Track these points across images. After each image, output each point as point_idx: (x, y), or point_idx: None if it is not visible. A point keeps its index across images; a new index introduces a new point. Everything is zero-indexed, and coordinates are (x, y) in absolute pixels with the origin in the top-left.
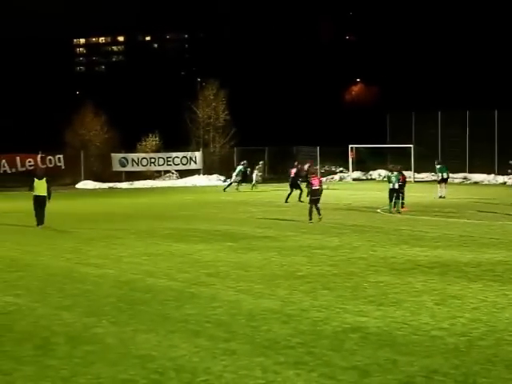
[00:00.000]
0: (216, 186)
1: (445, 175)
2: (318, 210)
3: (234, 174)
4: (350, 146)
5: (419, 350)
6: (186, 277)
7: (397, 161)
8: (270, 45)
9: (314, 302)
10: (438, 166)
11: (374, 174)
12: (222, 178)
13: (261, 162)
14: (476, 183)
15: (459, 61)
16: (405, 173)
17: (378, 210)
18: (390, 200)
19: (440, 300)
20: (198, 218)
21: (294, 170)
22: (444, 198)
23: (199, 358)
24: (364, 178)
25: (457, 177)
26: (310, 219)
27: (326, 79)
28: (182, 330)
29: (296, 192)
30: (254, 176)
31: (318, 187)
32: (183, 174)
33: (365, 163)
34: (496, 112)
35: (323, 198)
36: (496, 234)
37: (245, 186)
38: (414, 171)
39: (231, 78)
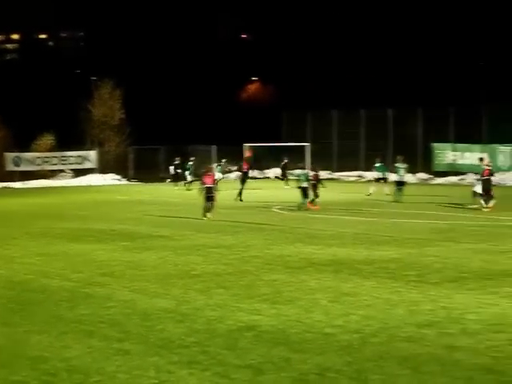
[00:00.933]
0: (112, 186)
1: (381, 175)
2: (209, 209)
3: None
4: (245, 144)
5: (312, 347)
6: (80, 277)
7: (293, 159)
8: (165, 42)
9: (208, 300)
10: (377, 165)
11: (270, 172)
12: (118, 177)
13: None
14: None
15: (353, 59)
16: (302, 171)
17: (274, 209)
18: (304, 197)
19: (334, 297)
20: (93, 218)
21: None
22: (370, 195)
23: (92, 359)
24: (260, 176)
25: (351, 175)
26: (204, 216)
27: (223, 77)
28: (76, 330)
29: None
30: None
31: (211, 185)
32: (78, 173)
33: (261, 162)
34: (391, 111)
35: (220, 197)
36: (389, 231)
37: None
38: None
39: (127, 77)
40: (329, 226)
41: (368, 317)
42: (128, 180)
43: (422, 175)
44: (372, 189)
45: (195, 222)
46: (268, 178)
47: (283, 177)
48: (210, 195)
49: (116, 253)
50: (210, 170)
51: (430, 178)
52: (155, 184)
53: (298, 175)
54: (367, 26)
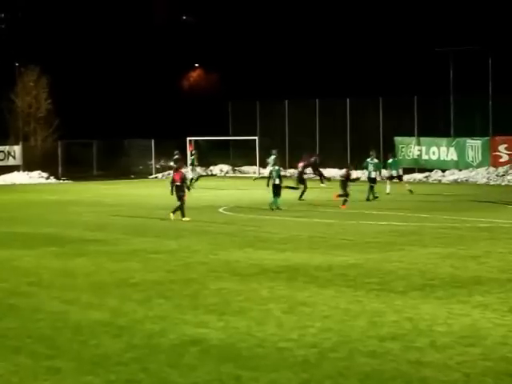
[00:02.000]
0: (39, 184)
1: (394, 173)
2: (178, 209)
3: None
4: (189, 138)
5: (265, 363)
6: (3, 286)
7: (241, 154)
8: (98, 25)
9: (148, 312)
10: (389, 161)
11: (216, 169)
12: (45, 174)
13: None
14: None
15: (307, 44)
16: (248, 168)
17: (221, 210)
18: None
19: (288, 308)
20: (19, 221)
21: (301, 164)
22: (389, 194)
23: (19, 378)
24: (204, 173)
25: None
26: (183, 216)
27: (161, 65)
28: (0, 346)
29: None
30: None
31: (179, 183)
32: (0, 170)
33: (206, 158)
34: (348, 100)
35: (157, 199)
36: (348, 234)
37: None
38: (259, 165)
39: (54, 63)
40: (282, 228)
41: (326, 329)
42: (57, 178)
43: (383, 172)
44: (388, 188)
45: (132, 224)
46: (214, 175)
47: (319, 175)
48: (180, 194)
49: (44, 259)
50: (182, 166)
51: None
52: (88, 182)
53: (270, 172)
54: (323, 6)
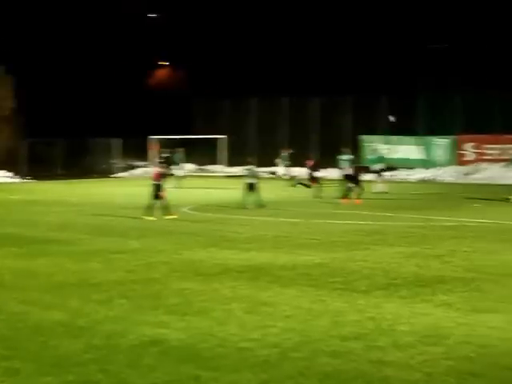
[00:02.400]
0: (2, 184)
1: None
2: (163, 208)
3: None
4: (151, 137)
5: (225, 364)
6: None
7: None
8: (62, 25)
9: (109, 312)
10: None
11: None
12: (9, 174)
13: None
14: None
15: (274, 40)
16: (213, 167)
17: (185, 209)
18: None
19: (250, 308)
20: None
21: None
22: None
23: None
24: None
25: (272, 170)
26: (150, 215)
27: (127, 62)
28: None
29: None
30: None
31: (156, 182)
32: None
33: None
34: (317, 99)
35: (121, 198)
36: (312, 233)
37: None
38: (226, 164)
39: (18, 62)
40: (247, 227)
41: (288, 329)
42: (21, 177)
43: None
44: (382, 186)
45: (96, 223)
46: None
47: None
48: (156, 193)
49: (6, 259)
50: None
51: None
52: (52, 181)
53: (247, 170)
54: (291, 3)
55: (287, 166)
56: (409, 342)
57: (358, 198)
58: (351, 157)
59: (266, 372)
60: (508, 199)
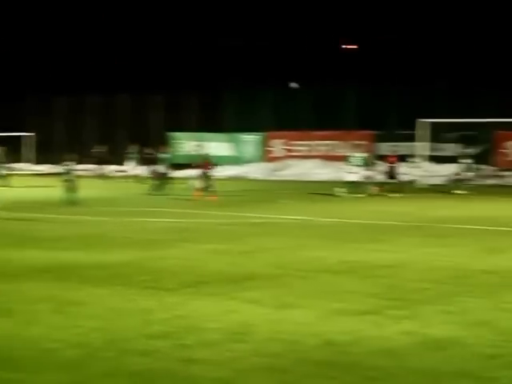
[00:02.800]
0: None
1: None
2: None
3: None
4: None
5: (31, 365)
6: None
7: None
8: None
9: None
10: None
11: None
12: None
13: None
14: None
15: (79, 38)
16: (20, 165)
17: None
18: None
19: (57, 308)
20: None
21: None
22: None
23: None
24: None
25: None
26: None
27: None
28: None
29: None
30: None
31: None
32: None
33: None
34: (126, 97)
35: None
36: (127, 231)
37: None
38: (33, 162)
39: None
40: (58, 225)
41: (96, 328)
42: None
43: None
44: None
45: None
46: None
47: None
48: None
49: None
50: None
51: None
52: None
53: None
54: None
55: (134, 162)
56: (217, 339)
57: (207, 195)
58: (168, 155)
59: (72, 372)
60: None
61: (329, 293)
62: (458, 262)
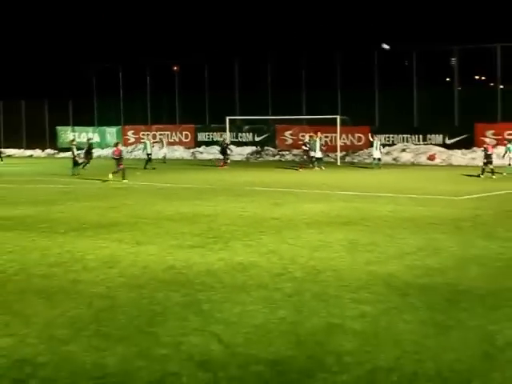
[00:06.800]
0: None
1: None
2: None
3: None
4: None
5: None
6: None
7: None
8: None
9: None
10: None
11: None
12: None
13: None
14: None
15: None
16: None
17: None
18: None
19: None
20: None
21: None
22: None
23: None
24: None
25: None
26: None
27: None
28: None
29: None
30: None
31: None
32: None
33: None
34: (23, 102)
35: None
36: (24, 195)
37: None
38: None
39: None
40: None
41: (10, 260)
42: None
43: (50, 151)
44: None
45: None
46: None
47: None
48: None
49: None
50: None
51: (56, 153)
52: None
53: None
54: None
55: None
56: (94, 266)
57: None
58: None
59: None
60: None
61: (169, 234)
62: (255, 212)
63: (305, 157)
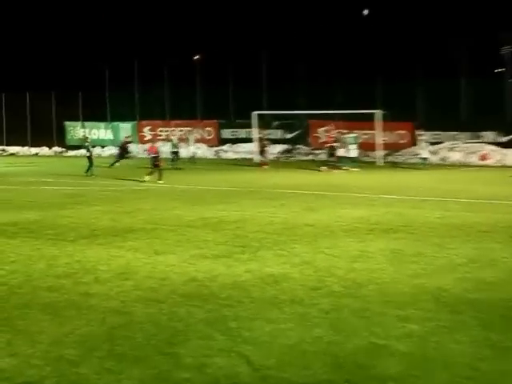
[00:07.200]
0: None
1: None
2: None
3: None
4: None
5: None
6: None
7: None
8: None
9: None
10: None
11: None
12: None
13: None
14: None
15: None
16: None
17: None
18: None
19: None
20: None
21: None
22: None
23: None
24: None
25: None
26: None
27: None
28: None
29: None
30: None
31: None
32: None
33: None
34: (28, 94)
35: None
36: (30, 197)
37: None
38: None
39: None
40: None
41: (13, 271)
42: None
43: (57, 149)
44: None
45: None
46: None
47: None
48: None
49: None
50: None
51: (64, 151)
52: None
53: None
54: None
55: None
56: (107, 278)
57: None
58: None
59: None
60: None
61: (190, 242)
62: (286, 217)
63: (332, 155)
